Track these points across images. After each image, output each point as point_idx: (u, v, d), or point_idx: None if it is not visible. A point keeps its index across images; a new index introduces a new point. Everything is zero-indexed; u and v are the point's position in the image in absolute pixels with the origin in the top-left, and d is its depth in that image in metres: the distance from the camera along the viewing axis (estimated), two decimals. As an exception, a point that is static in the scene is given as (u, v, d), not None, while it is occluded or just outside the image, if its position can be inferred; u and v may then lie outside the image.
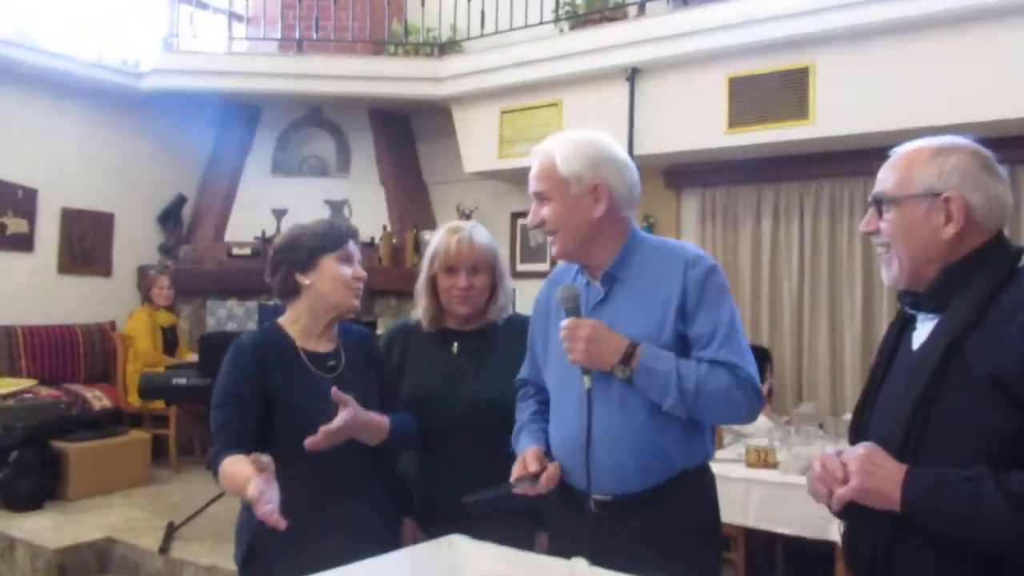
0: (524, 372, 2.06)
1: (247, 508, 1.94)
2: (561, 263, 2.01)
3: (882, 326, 4.88)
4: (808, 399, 4.95)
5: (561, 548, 1.65)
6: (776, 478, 3.41)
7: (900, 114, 4.30)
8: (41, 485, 4.70)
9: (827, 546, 3.36)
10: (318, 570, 1.75)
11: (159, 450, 5.55)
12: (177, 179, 6.98)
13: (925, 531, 1.28)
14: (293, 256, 2.05)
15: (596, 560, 1.54)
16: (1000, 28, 4.10)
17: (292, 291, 2.07)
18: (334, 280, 2.05)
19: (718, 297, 1.78)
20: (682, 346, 1.77)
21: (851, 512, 1.37)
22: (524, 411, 2.00)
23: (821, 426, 4.05)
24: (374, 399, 2.07)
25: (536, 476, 1.77)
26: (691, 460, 1.82)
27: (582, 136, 1.87)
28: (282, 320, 2.10)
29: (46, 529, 4.26)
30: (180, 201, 6.91)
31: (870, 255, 4.97)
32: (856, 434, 1.49)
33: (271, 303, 4.84)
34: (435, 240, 2.23)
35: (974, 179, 1.37)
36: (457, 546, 1.73)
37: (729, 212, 5.50)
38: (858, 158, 4.81)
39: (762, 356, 4.78)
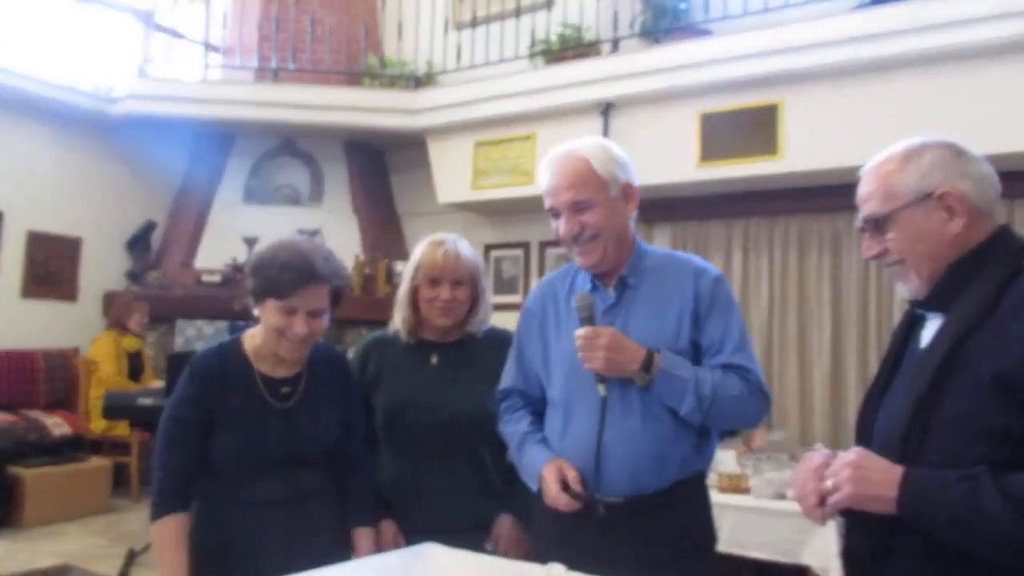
0: (509, 382, 2.02)
1: (195, 512, 1.94)
2: (556, 271, 2.01)
3: (851, 358, 4.95)
4: (777, 430, 4.97)
5: (561, 555, 1.61)
6: (748, 503, 3.42)
7: (867, 150, 4.34)
8: (-6, 512, 4.56)
9: (801, 574, 3.36)
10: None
11: (120, 477, 5.42)
12: (147, 205, 6.92)
13: (921, 533, 1.25)
14: (248, 282, 1.96)
15: (601, 565, 1.54)
16: (968, 67, 4.23)
17: (253, 310, 1.98)
18: (268, 328, 1.93)
19: (728, 305, 1.82)
20: (695, 352, 1.80)
21: (847, 514, 1.35)
22: (519, 422, 1.95)
23: (792, 456, 4.07)
24: (329, 431, 2.02)
25: (579, 493, 1.74)
26: (703, 462, 1.85)
27: (600, 139, 1.88)
28: (247, 334, 2.03)
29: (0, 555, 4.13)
30: (149, 227, 6.84)
31: (839, 289, 5.05)
32: (861, 432, 1.47)
33: (242, 323, 4.78)
34: (418, 252, 2.23)
35: (956, 168, 1.37)
36: (431, 553, 1.71)
37: (700, 245, 5.57)
38: (826, 194, 4.92)
39: (733, 386, 4.80)
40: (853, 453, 1.30)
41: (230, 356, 1.99)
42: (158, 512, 1.89)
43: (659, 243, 5.83)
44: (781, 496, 3.40)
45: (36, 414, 5.66)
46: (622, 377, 1.74)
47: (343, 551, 2.00)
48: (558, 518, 1.81)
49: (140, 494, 5.47)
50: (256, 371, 1.98)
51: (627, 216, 1.84)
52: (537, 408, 1.96)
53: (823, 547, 3.14)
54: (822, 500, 1.31)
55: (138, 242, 6.78)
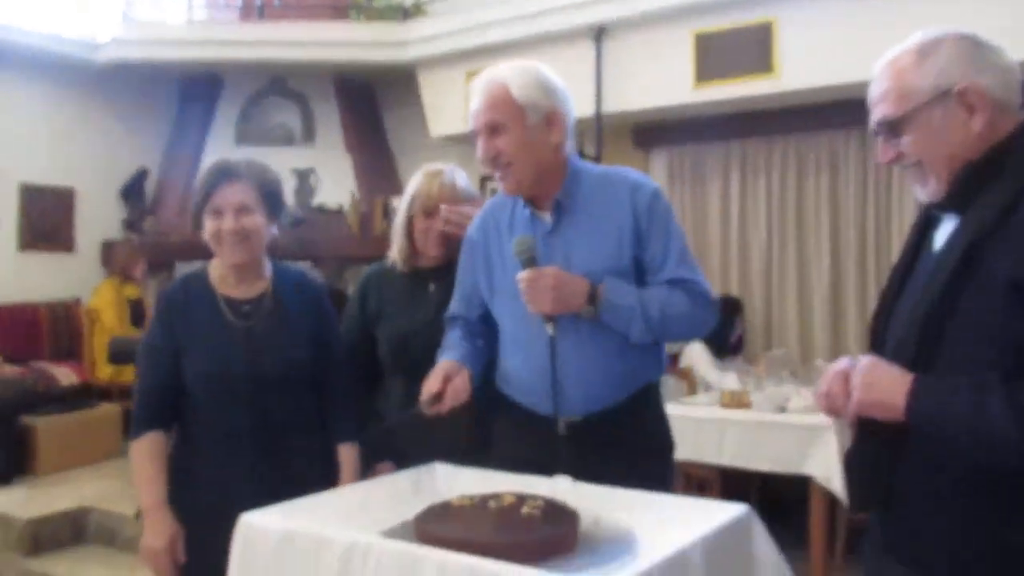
0: (454, 309, 2.01)
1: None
2: (495, 199, 1.99)
3: (850, 275, 4.96)
4: (778, 347, 5.02)
5: (520, 472, 1.66)
6: (752, 417, 3.46)
7: (863, 67, 4.30)
8: (8, 461, 4.63)
9: (801, 488, 3.43)
10: (228, 511, 1.83)
11: (130, 423, 5.48)
12: (138, 153, 6.85)
13: (930, 440, 1.23)
14: (192, 217, 2.04)
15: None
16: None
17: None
18: (210, 239, 1.99)
19: (667, 219, 1.81)
20: (639, 269, 1.80)
21: (858, 420, 1.33)
22: (451, 335, 1.96)
23: (793, 372, 4.11)
24: (293, 351, 2.03)
25: (439, 396, 1.74)
26: (656, 373, 1.88)
27: (529, 64, 1.83)
28: (212, 263, 2.08)
29: (17, 502, 4.20)
30: (142, 175, 6.80)
31: (837, 208, 5.04)
32: (875, 339, 1.43)
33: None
34: (414, 182, 2.22)
35: (976, 61, 1.28)
36: (438, 471, 1.74)
37: (697, 170, 5.53)
38: (824, 112, 4.88)
39: (733, 307, 4.83)
40: (866, 360, 1.28)
41: (194, 283, 2.06)
42: (135, 431, 1.98)
43: (656, 169, 5.80)
44: (782, 410, 3.45)
45: (43, 365, 5.71)
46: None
47: (325, 480, 2.02)
48: (521, 439, 1.85)
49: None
50: (219, 294, 2.03)
51: (549, 144, 1.80)
52: (478, 332, 1.97)
53: (825, 458, 3.19)
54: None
55: (132, 190, 6.74)
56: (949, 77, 1.27)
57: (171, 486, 1.98)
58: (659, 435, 1.92)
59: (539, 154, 1.80)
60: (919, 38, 1.34)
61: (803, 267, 5.14)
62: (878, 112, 1.34)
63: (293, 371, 2.03)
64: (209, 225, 1.97)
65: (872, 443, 1.34)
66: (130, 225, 6.66)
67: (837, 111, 4.82)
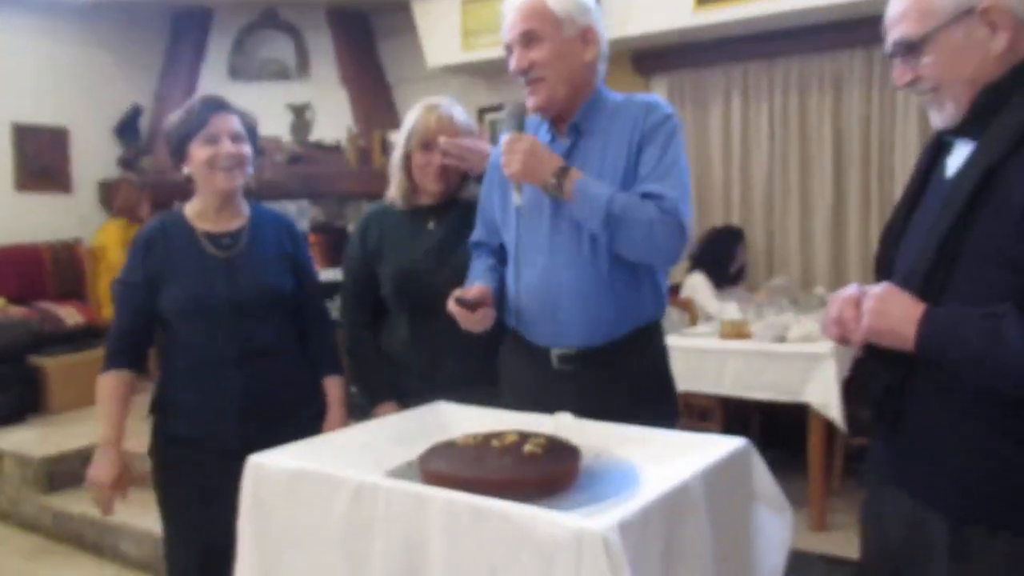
0: (477, 235, 2.06)
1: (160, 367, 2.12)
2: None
3: (852, 200, 4.93)
4: (779, 275, 5.03)
5: (522, 407, 1.69)
6: (751, 347, 3.50)
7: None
8: (20, 400, 4.70)
9: (800, 416, 3.48)
10: (214, 438, 1.97)
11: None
12: (131, 90, 6.74)
13: (939, 369, 1.23)
14: (171, 149, 2.07)
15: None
16: None
17: (188, 180, 2.10)
18: (201, 166, 2.03)
19: (668, 138, 1.78)
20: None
21: (867, 347, 1.33)
22: (478, 259, 2.02)
23: (795, 300, 4.13)
24: (274, 281, 2.10)
25: (473, 305, 1.79)
26: (656, 312, 1.88)
27: None
28: (186, 205, 2.13)
29: (31, 441, 4.28)
30: (136, 112, 6.70)
31: (840, 129, 4.97)
32: (882, 267, 1.42)
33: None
34: (411, 117, 2.20)
35: None
36: (444, 410, 1.77)
37: (699, 94, 5.45)
38: (826, 31, 4.77)
39: (735, 236, 4.82)
40: (879, 287, 1.27)
41: (171, 221, 2.10)
42: (103, 367, 2.05)
43: (657, 94, 5.70)
44: (782, 339, 3.48)
45: (48, 306, 5.73)
46: (571, 221, 1.77)
47: (311, 410, 2.15)
48: (517, 371, 1.88)
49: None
50: (197, 229, 2.08)
51: (583, 60, 1.80)
52: (500, 258, 2.01)
53: (823, 386, 3.23)
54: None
55: (126, 128, 6.66)
56: None
57: (158, 416, 2.06)
58: (659, 377, 1.92)
59: (572, 69, 1.79)
60: None
61: (805, 193, 5.10)
62: (896, 32, 1.31)
63: (272, 298, 2.09)
64: (202, 152, 2.00)
65: (881, 369, 1.33)
66: (126, 164, 6.60)
67: (840, 30, 4.71)
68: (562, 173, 1.72)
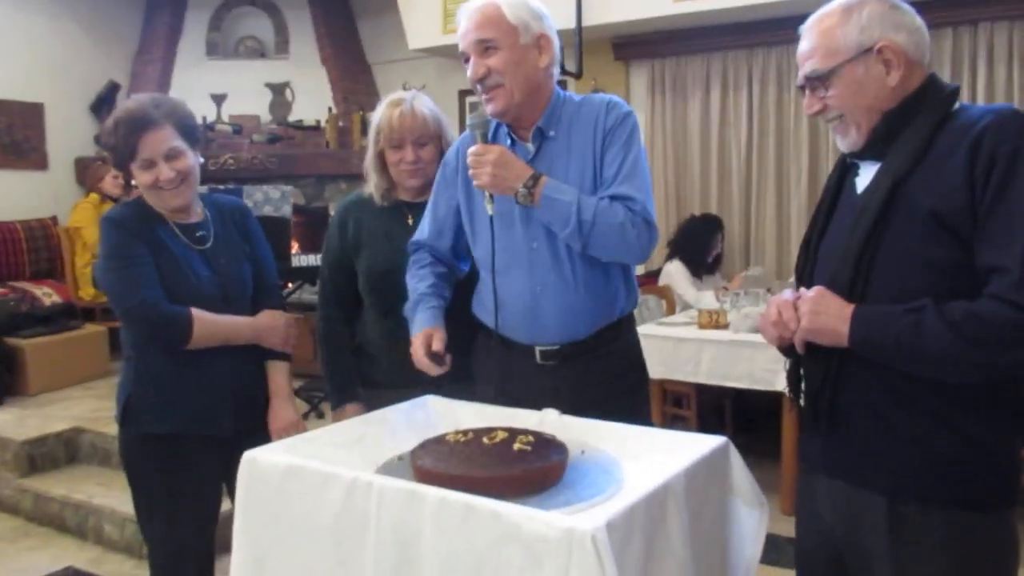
0: (423, 235, 2.04)
1: (127, 368, 2.07)
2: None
3: (826, 191, 5.00)
4: (755, 264, 5.11)
5: (504, 402, 1.74)
6: (727, 337, 3.57)
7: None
8: (-1, 381, 4.68)
9: (774, 403, 3.57)
10: (189, 425, 1.99)
11: (116, 342, 5.51)
12: (107, 66, 6.66)
13: (870, 360, 1.36)
14: (115, 167, 2.02)
15: (542, 408, 1.66)
16: None
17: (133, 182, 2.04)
18: (146, 189, 1.98)
19: (628, 138, 1.83)
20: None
21: (795, 351, 1.47)
22: (422, 280, 1.98)
23: (769, 290, 4.21)
24: (243, 270, 2.11)
25: (442, 357, 1.81)
26: (629, 305, 1.95)
27: None
28: (144, 196, 2.06)
29: (10, 423, 4.27)
30: (113, 88, 6.62)
31: (816, 121, 5.02)
32: (801, 277, 1.56)
33: (222, 187, 4.76)
34: (377, 114, 2.19)
35: (892, 21, 1.41)
36: (430, 403, 1.81)
37: (678, 83, 5.49)
38: (804, 23, 4.80)
39: (714, 224, 4.89)
40: (813, 290, 1.41)
41: (142, 208, 2.03)
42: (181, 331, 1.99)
43: (637, 82, 5.74)
44: (757, 330, 3.55)
45: (24, 285, 5.69)
46: (545, 226, 1.80)
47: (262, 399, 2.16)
48: (500, 366, 1.92)
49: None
50: (169, 221, 2.04)
51: (538, 66, 1.83)
52: (444, 261, 2.02)
53: (797, 374, 3.31)
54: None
55: (103, 105, 6.57)
56: (870, 35, 1.40)
57: (154, 399, 2.03)
58: (634, 368, 2.00)
59: (528, 75, 1.82)
60: None
61: (781, 183, 5.18)
62: (807, 67, 1.46)
63: (245, 287, 2.11)
64: (143, 177, 1.95)
65: (816, 367, 1.46)
66: (102, 141, 6.53)
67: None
68: (532, 182, 1.76)
